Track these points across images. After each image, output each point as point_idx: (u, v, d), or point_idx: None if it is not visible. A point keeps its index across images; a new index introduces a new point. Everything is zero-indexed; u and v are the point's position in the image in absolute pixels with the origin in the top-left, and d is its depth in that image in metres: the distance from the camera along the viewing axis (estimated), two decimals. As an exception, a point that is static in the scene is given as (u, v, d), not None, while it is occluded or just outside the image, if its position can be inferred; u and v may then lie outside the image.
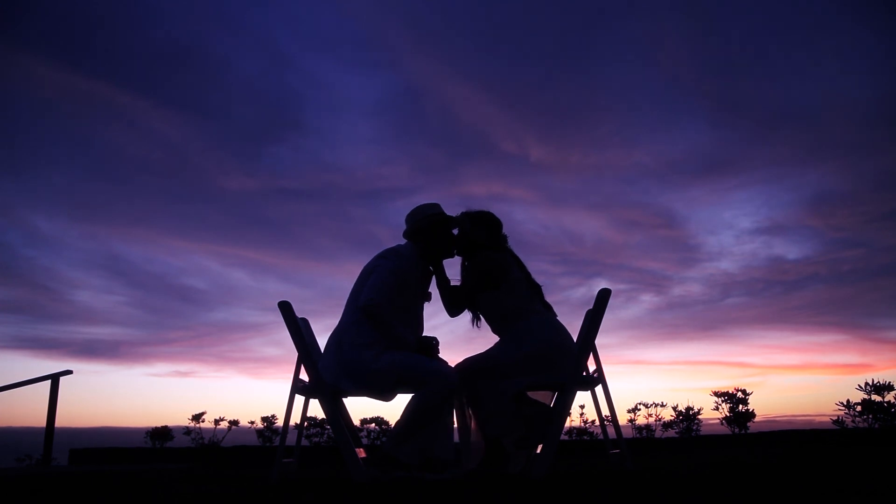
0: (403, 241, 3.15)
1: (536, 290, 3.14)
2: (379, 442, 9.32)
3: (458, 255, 3.20)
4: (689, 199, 22.95)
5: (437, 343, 3.04)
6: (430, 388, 2.78)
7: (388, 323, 2.85)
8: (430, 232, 3.07)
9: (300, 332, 2.94)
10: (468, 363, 3.01)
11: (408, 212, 3.16)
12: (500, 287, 3.02)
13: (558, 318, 3.13)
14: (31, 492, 2.82)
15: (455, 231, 3.18)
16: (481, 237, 3.14)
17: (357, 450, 2.90)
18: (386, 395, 2.90)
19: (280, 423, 9.61)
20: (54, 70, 18.48)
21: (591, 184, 22.79)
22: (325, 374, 2.91)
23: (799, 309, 22.32)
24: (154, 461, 7.86)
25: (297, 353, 2.97)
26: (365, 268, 3.04)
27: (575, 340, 3.11)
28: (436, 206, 3.15)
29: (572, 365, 2.96)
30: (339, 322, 3.01)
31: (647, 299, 22.97)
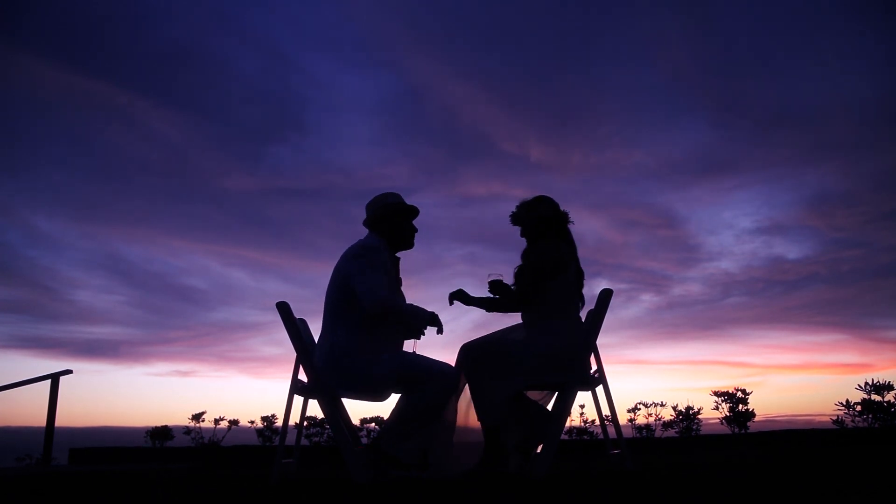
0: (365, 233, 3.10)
1: (580, 284, 3.12)
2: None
3: (527, 243, 3.20)
4: (689, 199, 23.00)
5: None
6: (431, 387, 2.77)
7: (401, 310, 2.83)
8: (390, 221, 3.03)
9: (298, 332, 2.94)
10: (478, 342, 3.00)
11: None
12: (555, 279, 2.98)
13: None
14: (31, 492, 2.82)
15: (517, 223, 3.21)
16: (548, 212, 3.13)
17: (357, 449, 2.90)
18: (382, 396, 2.90)
19: (280, 422, 9.61)
20: (54, 70, 18.51)
21: (592, 184, 22.82)
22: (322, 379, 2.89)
23: (799, 309, 22.34)
24: (154, 461, 7.86)
25: (296, 353, 2.97)
26: (337, 269, 2.96)
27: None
28: (396, 196, 3.12)
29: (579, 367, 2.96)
30: (323, 329, 2.95)
31: (648, 299, 23.00)
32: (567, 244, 3.12)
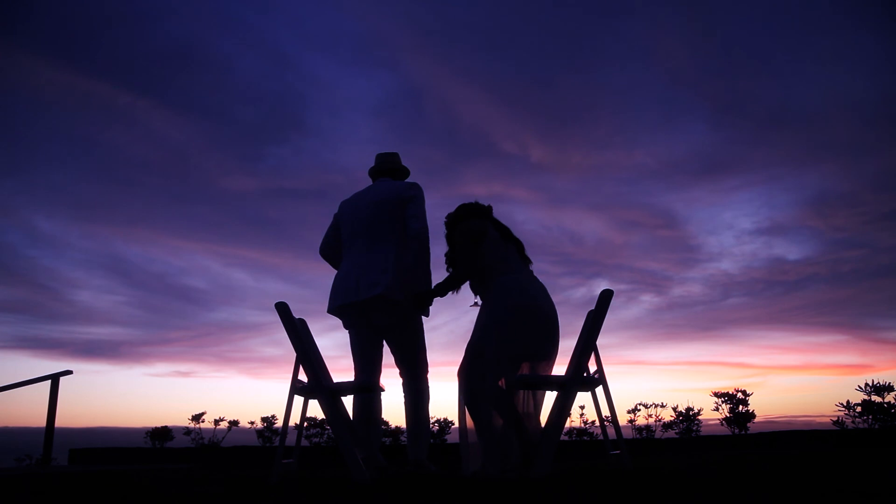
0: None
1: (519, 246, 3.24)
2: (389, 442, 9.30)
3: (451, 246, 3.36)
4: (689, 200, 22.95)
5: None
6: (422, 374, 3.13)
7: (427, 256, 3.14)
8: (405, 173, 3.47)
9: (298, 332, 2.94)
10: (467, 360, 3.04)
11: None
12: (480, 245, 3.10)
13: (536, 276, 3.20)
14: (31, 492, 2.82)
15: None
16: (450, 218, 3.33)
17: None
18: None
19: (280, 423, 9.61)
20: (54, 70, 18.49)
21: (592, 184, 22.80)
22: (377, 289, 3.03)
23: (799, 309, 22.31)
24: (154, 461, 7.86)
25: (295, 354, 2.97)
26: (386, 194, 3.21)
27: (577, 338, 3.11)
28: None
29: (545, 329, 2.99)
30: (372, 246, 3.15)
31: (648, 299, 22.99)
32: (479, 220, 3.20)
